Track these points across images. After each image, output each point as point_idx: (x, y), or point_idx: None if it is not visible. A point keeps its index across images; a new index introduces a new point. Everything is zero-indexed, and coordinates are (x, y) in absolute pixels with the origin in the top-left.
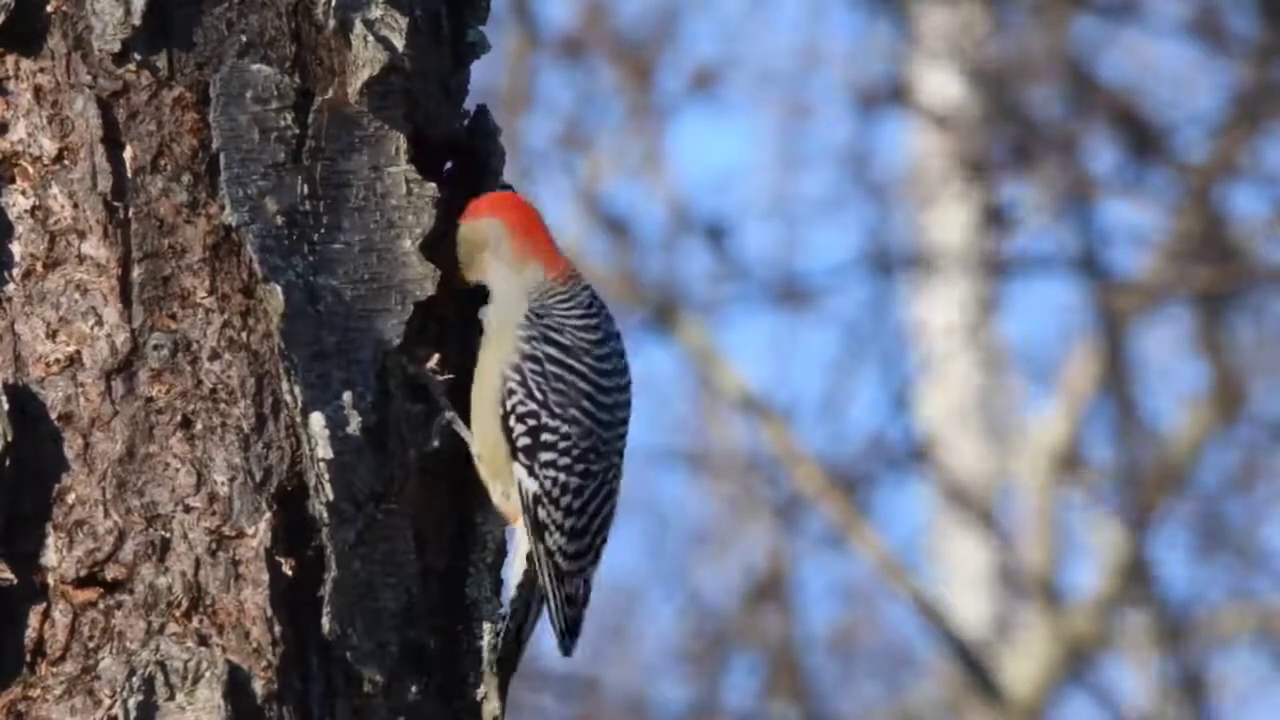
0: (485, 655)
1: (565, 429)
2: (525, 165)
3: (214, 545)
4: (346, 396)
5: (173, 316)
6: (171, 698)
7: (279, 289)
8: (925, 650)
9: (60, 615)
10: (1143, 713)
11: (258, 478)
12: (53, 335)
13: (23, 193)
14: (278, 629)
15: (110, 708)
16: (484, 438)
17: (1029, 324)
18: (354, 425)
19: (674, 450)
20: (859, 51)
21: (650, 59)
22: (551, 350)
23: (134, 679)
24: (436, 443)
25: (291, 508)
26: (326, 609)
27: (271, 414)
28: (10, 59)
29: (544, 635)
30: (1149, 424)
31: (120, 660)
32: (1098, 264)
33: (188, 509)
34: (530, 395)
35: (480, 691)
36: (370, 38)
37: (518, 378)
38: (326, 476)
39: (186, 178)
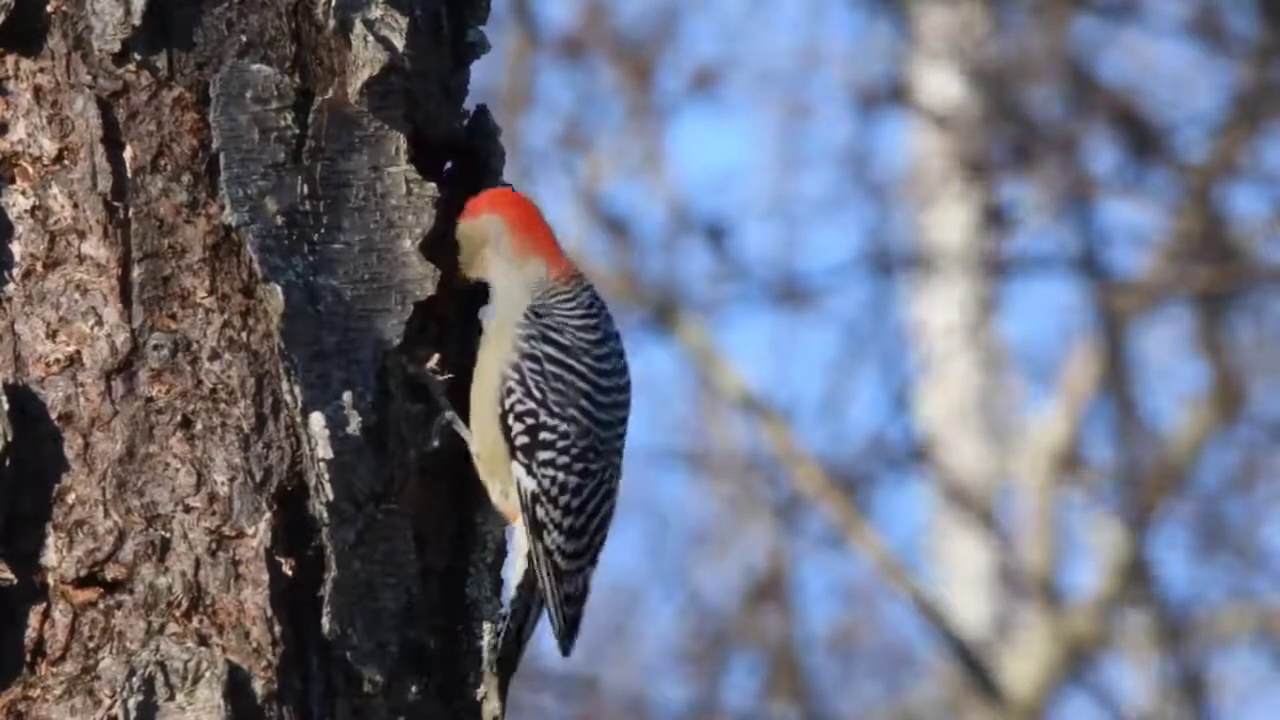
0: (485, 655)
1: (564, 428)
2: (525, 165)
3: (214, 545)
4: (346, 396)
5: (173, 316)
6: (171, 698)
7: (279, 289)
8: (925, 650)
9: (60, 615)
10: (1143, 713)
11: (258, 478)
12: (53, 335)
13: (23, 193)
14: (278, 629)
15: (110, 708)
16: (483, 436)
17: (1029, 324)
18: (354, 425)
19: (674, 450)
20: (859, 51)
21: (650, 59)
22: (550, 350)
23: (134, 679)
24: (436, 443)
25: (291, 508)
26: (326, 609)
27: (271, 414)
28: (10, 59)
29: (544, 635)
30: (1149, 424)
31: (120, 660)
32: (1098, 264)
33: (188, 509)
34: (529, 394)
35: (480, 691)
36: (370, 38)
37: (516, 377)
38: (326, 476)
39: (186, 178)
